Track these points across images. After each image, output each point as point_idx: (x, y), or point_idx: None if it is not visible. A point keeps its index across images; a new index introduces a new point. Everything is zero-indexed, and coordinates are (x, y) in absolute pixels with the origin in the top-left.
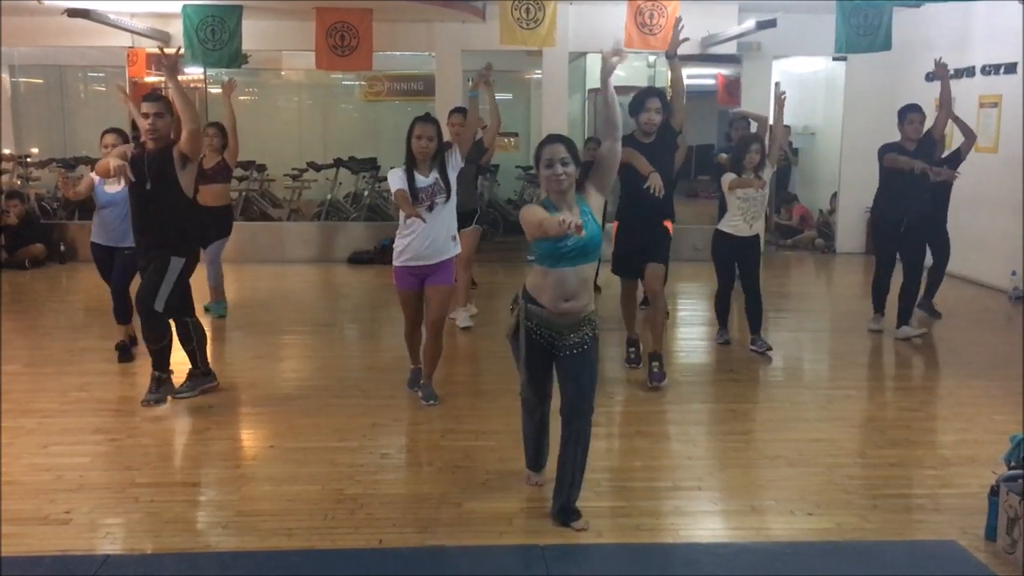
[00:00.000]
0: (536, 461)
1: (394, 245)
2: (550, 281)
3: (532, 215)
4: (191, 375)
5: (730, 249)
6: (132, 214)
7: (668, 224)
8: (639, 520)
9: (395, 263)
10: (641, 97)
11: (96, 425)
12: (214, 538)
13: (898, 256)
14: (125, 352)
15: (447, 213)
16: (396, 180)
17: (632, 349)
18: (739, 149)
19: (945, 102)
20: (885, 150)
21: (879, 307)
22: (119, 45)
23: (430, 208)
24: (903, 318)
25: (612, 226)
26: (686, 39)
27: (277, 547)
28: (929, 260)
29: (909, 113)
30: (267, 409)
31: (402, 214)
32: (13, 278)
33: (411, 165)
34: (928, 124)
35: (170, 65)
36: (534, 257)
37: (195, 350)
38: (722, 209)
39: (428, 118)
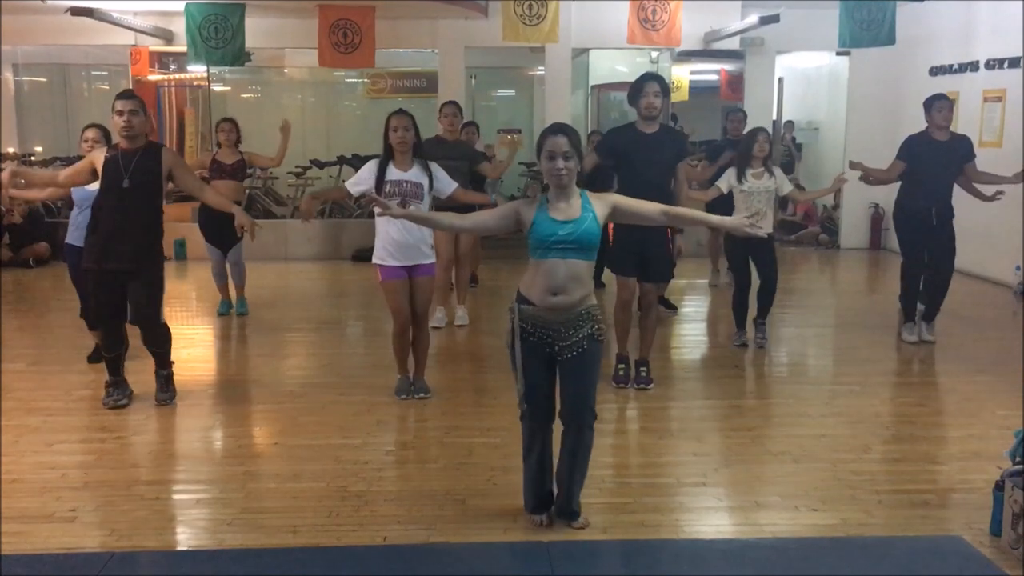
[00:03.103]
0: (537, 505)
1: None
2: (540, 273)
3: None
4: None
5: (742, 247)
6: (103, 214)
7: (668, 232)
8: (643, 516)
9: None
10: (639, 83)
11: (101, 423)
12: (219, 536)
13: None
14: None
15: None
16: (363, 173)
17: (622, 366)
18: (747, 142)
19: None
20: (912, 141)
21: (912, 314)
22: (122, 43)
23: (403, 207)
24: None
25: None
26: None
27: (282, 544)
28: None
29: (936, 101)
30: (271, 406)
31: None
32: (17, 277)
33: (388, 158)
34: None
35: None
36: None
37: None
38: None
39: (402, 111)
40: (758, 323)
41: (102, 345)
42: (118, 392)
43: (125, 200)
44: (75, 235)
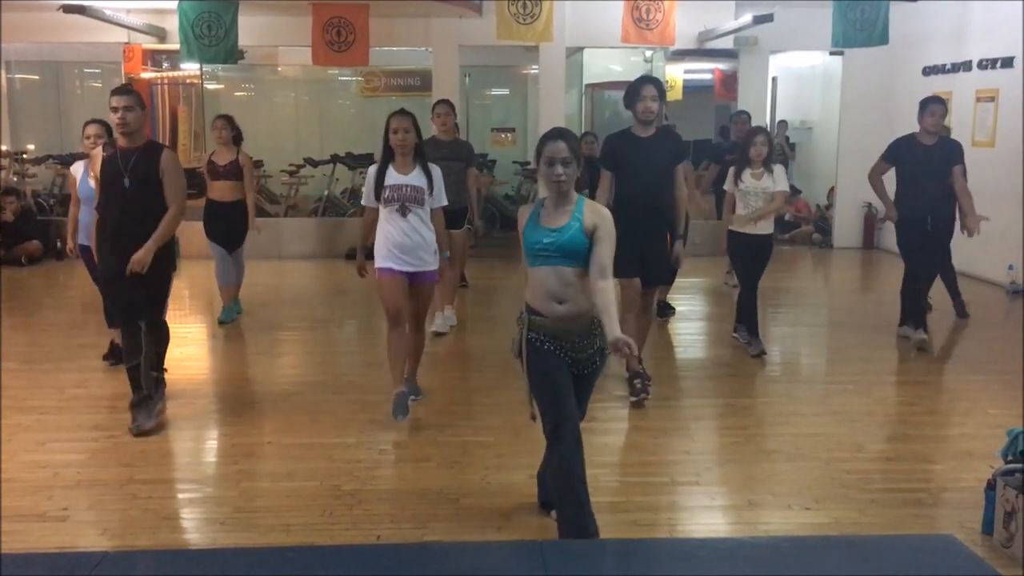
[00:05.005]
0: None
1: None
2: (536, 282)
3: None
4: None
5: (745, 248)
6: (106, 215)
7: (668, 235)
8: (636, 515)
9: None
10: (636, 86)
11: (94, 422)
12: (212, 534)
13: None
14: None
15: (422, 222)
16: (368, 184)
17: (637, 381)
18: (744, 143)
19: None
20: (899, 145)
21: (916, 319)
22: (115, 41)
23: (402, 212)
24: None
25: None
26: None
27: (275, 543)
28: None
29: (930, 104)
30: (265, 405)
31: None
32: (10, 275)
33: (387, 160)
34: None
35: None
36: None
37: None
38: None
39: (403, 111)
40: (739, 327)
41: (123, 352)
42: (142, 415)
43: (127, 199)
44: (84, 235)
